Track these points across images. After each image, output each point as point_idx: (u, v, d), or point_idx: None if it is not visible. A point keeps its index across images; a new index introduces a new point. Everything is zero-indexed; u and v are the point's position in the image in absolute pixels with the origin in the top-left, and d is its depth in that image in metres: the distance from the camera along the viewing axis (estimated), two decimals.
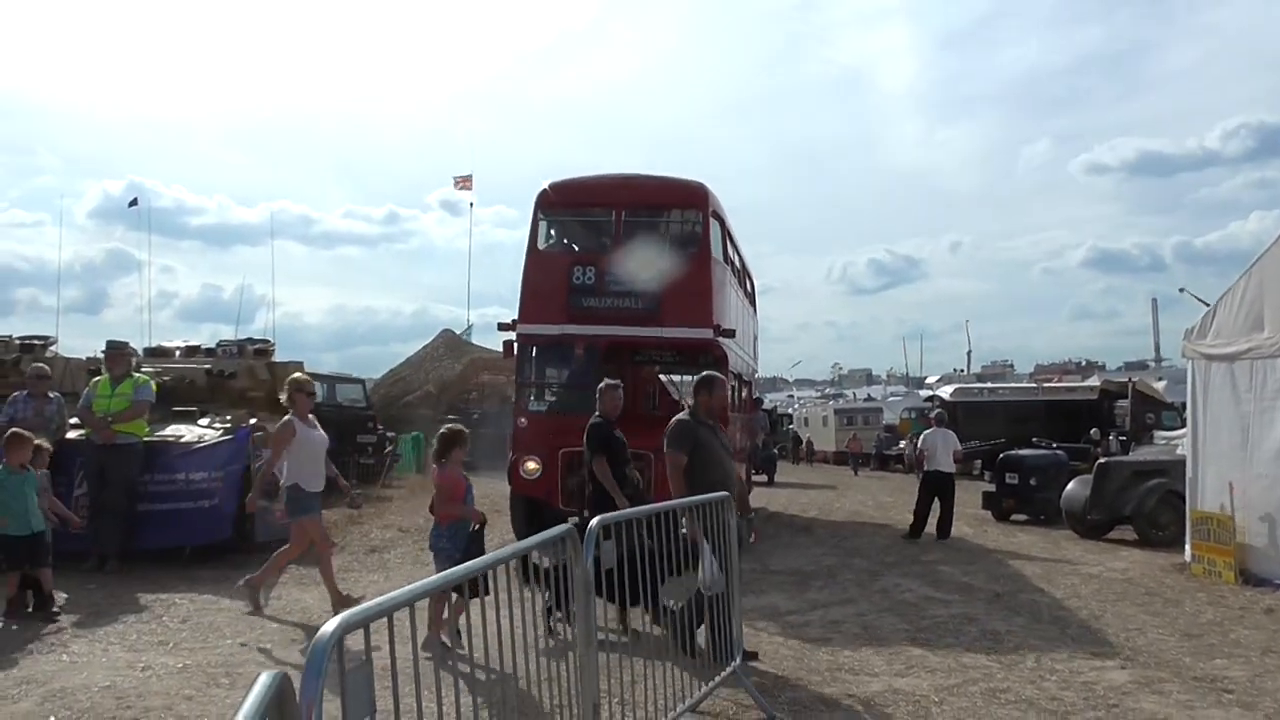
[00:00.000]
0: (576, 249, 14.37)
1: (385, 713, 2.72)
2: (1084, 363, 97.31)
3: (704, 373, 7.44)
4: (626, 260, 12.60)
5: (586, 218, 14.15)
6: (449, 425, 7.99)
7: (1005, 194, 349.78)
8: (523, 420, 12.81)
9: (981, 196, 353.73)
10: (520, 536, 11.64)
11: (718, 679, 5.79)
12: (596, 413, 8.80)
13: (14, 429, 8.42)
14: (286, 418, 8.33)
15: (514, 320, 12.94)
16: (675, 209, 13.69)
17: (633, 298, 12.59)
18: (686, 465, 6.95)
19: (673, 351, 13.93)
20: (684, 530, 5.97)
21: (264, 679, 1.79)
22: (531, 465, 12.19)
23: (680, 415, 7.44)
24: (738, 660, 6.06)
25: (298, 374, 9.74)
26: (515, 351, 12.96)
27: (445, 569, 5.72)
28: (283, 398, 8.47)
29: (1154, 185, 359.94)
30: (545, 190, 13.37)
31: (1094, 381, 34.81)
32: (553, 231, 13.87)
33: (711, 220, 13.13)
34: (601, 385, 9.11)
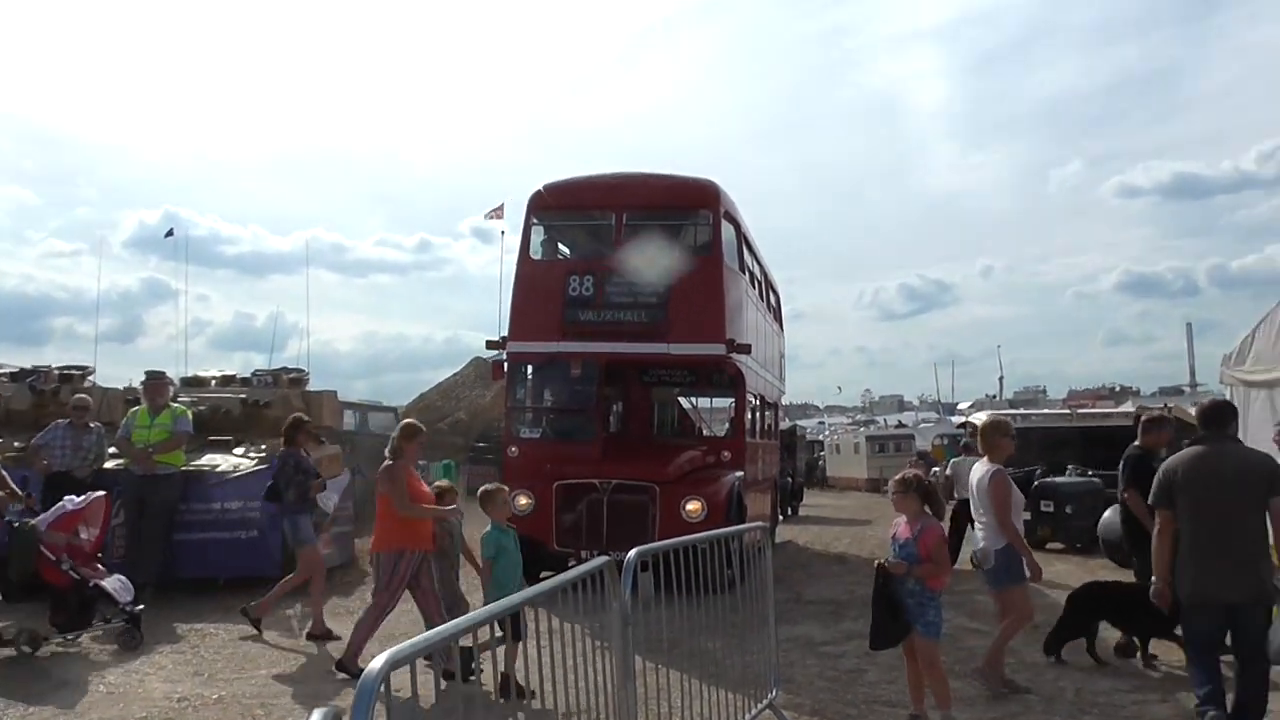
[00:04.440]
0: (573, 257, 13.27)
1: None
2: (1118, 388, 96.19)
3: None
4: (628, 268, 11.59)
5: (584, 221, 12.93)
6: None
7: (1038, 218, 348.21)
8: (514, 449, 11.73)
9: (1014, 220, 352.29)
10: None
11: (755, 711, 5.76)
12: (1137, 444, 8.10)
13: (490, 485, 7.44)
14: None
15: (503, 338, 11.98)
16: (683, 210, 12.45)
17: (636, 310, 11.54)
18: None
19: (683, 369, 13.00)
20: None
21: (317, 715, 1.81)
22: (523, 501, 10.75)
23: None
24: (775, 693, 6.02)
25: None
26: (505, 372, 12.06)
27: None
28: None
29: (1188, 208, 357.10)
30: (539, 191, 12.18)
31: (1129, 407, 34.32)
32: (546, 238, 12.80)
33: (724, 222, 12.03)
34: (1145, 418, 8.49)
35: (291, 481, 8.93)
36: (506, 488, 7.55)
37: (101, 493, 8.55)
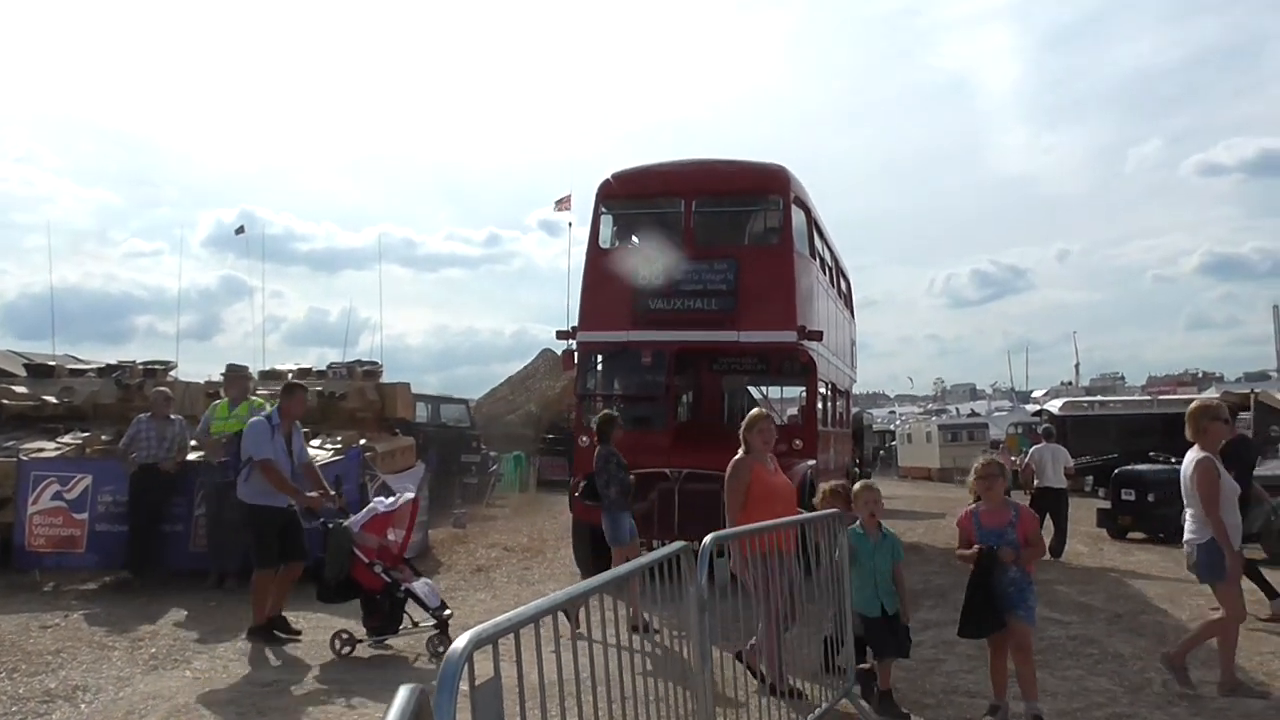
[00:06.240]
0: (642, 245, 12.99)
1: None
2: (1200, 374, 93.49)
3: None
4: (698, 256, 11.61)
5: (653, 209, 12.66)
6: None
7: (1115, 200, 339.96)
8: (584, 439, 11.43)
9: (1090, 202, 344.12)
10: (584, 570, 11.08)
11: (832, 700, 5.70)
12: None
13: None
14: None
15: (573, 328, 12.04)
16: (752, 196, 12.39)
17: (706, 298, 11.52)
18: None
19: (754, 357, 12.98)
20: None
21: (403, 693, 1.81)
22: None
23: None
24: (852, 682, 5.95)
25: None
26: (575, 362, 12.12)
27: None
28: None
29: (1275, 185, 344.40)
30: (607, 180, 12.22)
31: (1212, 393, 33.43)
32: (616, 227, 12.76)
33: (794, 208, 11.93)
34: None
35: (613, 479, 8.67)
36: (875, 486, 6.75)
37: (410, 495, 8.42)
